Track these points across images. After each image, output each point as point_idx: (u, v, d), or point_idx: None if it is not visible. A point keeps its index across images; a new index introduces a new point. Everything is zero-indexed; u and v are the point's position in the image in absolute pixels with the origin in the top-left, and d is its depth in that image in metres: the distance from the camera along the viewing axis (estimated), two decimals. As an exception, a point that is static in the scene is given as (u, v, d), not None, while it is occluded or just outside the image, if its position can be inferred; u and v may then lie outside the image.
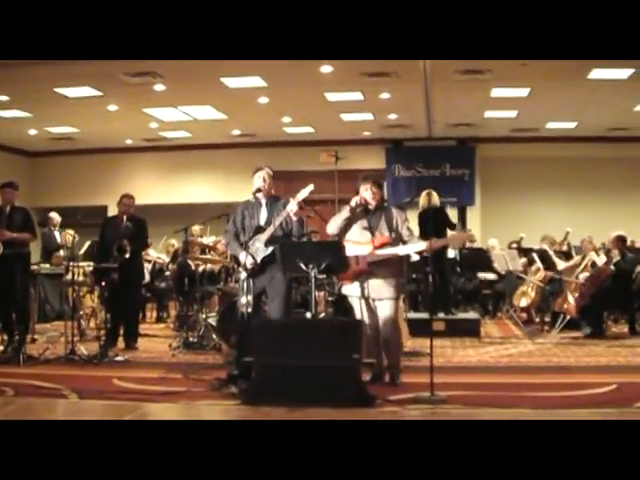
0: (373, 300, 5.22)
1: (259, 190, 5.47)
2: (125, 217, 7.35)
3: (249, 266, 5.32)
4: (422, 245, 5.16)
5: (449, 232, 8.64)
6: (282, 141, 14.00)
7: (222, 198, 13.20)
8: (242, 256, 5.34)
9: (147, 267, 9.66)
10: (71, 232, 9.40)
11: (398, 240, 5.22)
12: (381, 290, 5.17)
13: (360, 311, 5.23)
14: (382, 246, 5.16)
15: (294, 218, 5.31)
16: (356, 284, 5.22)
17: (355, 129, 13.30)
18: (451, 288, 9.21)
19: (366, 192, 5.25)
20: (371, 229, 5.22)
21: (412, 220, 5.81)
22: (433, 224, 8.18)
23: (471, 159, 14.08)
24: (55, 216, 10.60)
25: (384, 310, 5.19)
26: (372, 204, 5.27)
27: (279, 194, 5.64)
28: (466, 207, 14.02)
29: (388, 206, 5.42)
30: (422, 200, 8.74)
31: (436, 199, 8.75)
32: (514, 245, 11.03)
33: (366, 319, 5.20)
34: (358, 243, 5.23)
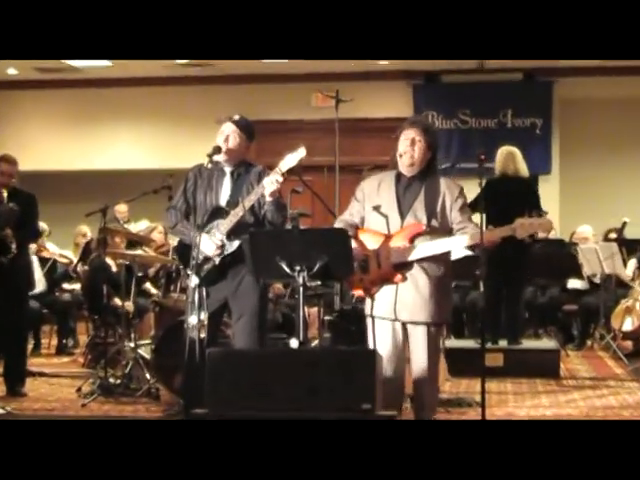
0: (403, 323, 5.16)
1: (218, 150, 5.47)
2: (5, 193, 7.25)
3: (213, 254, 5.34)
4: (464, 239, 4.93)
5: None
6: (253, 75, 13.93)
7: (161, 163, 13.22)
8: (199, 241, 5.30)
9: (40, 268, 9.67)
10: None
11: (444, 231, 5.06)
12: (416, 309, 5.07)
13: (382, 339, 5.15)
14: (413, 238, 5.06)
15: (269, 199, 5.33)
16: (378, 297, 5.15)
17: (366, 56, 13.29)
18: (522, 306, 9.13)
19: (407, 147, 5.03)
20: (400, 209, 5.10)
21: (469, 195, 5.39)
22: (507, 204, 7.70)
23: (546, 102, 14.10)
24: None
25: (419, 340, 5.13)
26: (410, 166, 5.08)
27: (250, 159, 5.64)
28: (537, 177, 14.03)
29: (434, 173, 5.18)
30: (500, 163, 8.60)
31: (524, 166, 8.68)
32: (612, 235, 11.05)
33: (388, 351, 5.15)
34: (369, 232, 5.18)
